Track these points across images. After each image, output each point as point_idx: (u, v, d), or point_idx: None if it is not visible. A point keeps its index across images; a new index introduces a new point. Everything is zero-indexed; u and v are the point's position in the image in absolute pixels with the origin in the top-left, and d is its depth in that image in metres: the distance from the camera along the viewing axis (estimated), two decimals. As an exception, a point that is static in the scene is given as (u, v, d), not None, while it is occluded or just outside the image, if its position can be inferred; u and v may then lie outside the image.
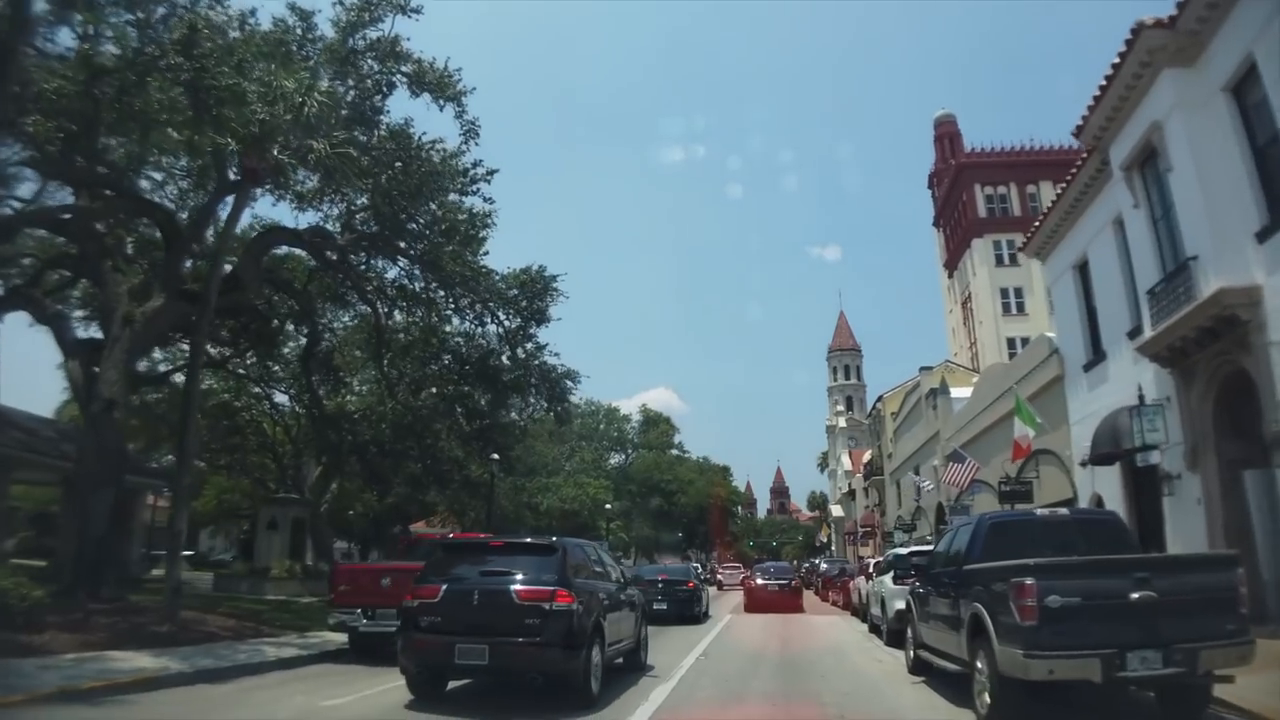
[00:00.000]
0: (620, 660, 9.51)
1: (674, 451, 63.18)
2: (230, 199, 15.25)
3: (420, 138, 16.87)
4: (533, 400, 22.15)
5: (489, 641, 7.26)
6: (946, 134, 65.60)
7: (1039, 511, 9.71)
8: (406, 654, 7.68)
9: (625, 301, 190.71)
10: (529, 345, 21.49)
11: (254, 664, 9.89)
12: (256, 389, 27.65)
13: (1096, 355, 15.44)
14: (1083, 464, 15.46)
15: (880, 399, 42.35)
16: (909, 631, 10.02)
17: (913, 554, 12.59)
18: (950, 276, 61.29)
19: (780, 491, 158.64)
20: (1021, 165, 56.17)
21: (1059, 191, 16.37)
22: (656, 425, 62.56)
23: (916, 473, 29.14)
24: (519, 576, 7.64)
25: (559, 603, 7.38)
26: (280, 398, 27.26)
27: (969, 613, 7.02)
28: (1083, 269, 16.18)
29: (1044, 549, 6.88)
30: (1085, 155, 14.90)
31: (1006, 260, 54.00)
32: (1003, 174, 56.29)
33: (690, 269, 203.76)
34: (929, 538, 30.99)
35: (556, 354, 21.66)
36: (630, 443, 60.03)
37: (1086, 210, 15.60)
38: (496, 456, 22.36)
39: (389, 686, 8.50)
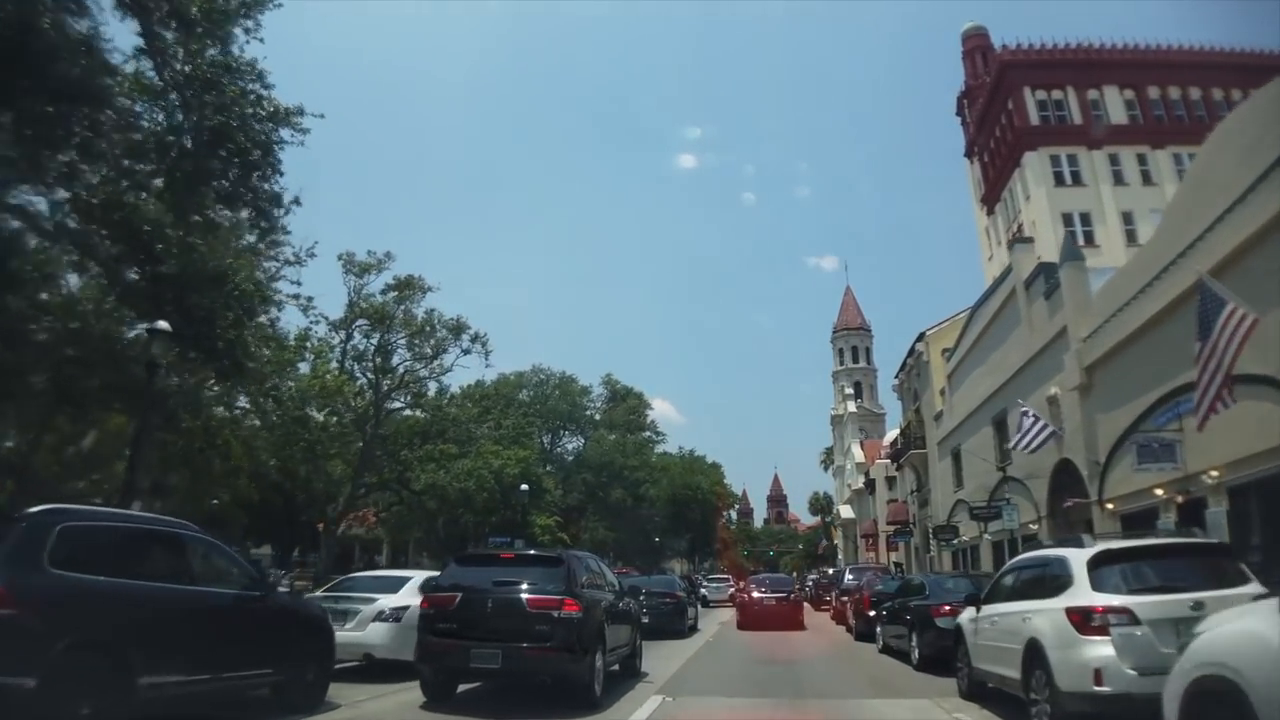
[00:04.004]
0: (617, 666, 9.68)
1: (647, 434, 50.28)
2: None
3: None
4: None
5: (502, 646, 7.59)
6: (977, 48, 54.16)
7: None
8: (423, 657, 8.03)
9: (624, 311, 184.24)
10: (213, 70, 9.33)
11: None
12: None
13: None
14: None
15: (922, 338, 30.06)
16: None
17: None
18: (990, 213, 49.36)
19: (778, 500, 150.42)
20: (1081, 65, 44.70)
21: None
22: (624, 400, 49.55)
23: (1021, 410, 16.62)
24: (529, 586, 7.95)
25: (566, 610, 7.72)
26: None
27: None
28: None
29: None
30: None
31: (1069, 179, 42.32)
32: (1058, 75, 44.67)
33: (689, 280, 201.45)
34: (1033, 525, 18.52)
35: (270, 86, 9.59)
36: (590, 422, 47.10)
37: None
38: (166, 325, 9.95)
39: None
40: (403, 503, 31.34)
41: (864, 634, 16.47)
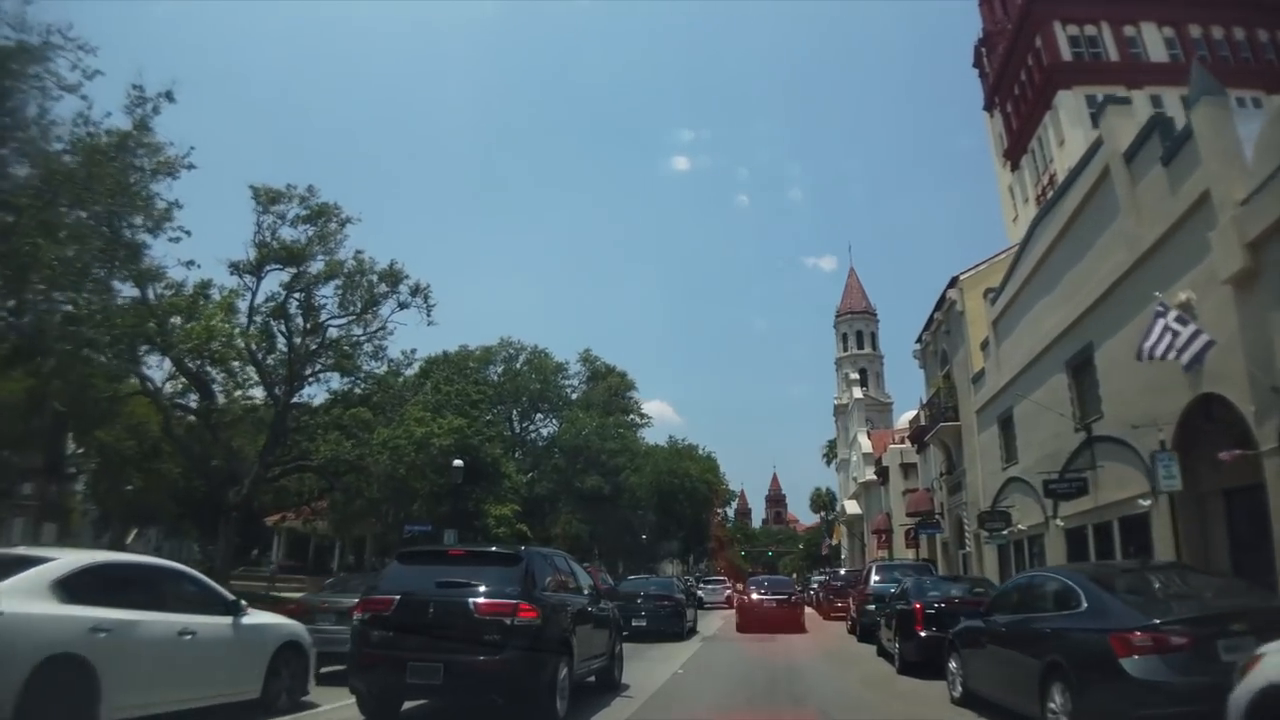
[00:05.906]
0: (592, 678, 8.91)
1: (632, 416, 44.78)
2: None
3: None
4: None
5: (444, 659, 6.58)
6: (995, -7, 48.97)
7: None
8: (355, 672, 7.10)
9: (621, 313, 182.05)
10: None
11: None
12: None
13: None
14: None
15: (954, 283, 24.75)
16: None
17: None
18: (1015, 168, 44.33)
19: (777, 500, 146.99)
20: (1115, -1, 39.58)
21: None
22: (604, 379, 43.95)
23: (1162, 311, 11.11)
24: (479, 588, 7.03)
25: (522, 617, 6.79)
26: None
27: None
28: None
29: None
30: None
31: (1108, 120, 37.10)
32: (1091, 9, 40.06)
33: (686, 283, 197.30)
34: (1143, 501, 13.22)
35: None
36: (565, 401, 41.48)
37: None
38: None
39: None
40: (332, 489, 25.97)
41: (914, 664, 11.19)
